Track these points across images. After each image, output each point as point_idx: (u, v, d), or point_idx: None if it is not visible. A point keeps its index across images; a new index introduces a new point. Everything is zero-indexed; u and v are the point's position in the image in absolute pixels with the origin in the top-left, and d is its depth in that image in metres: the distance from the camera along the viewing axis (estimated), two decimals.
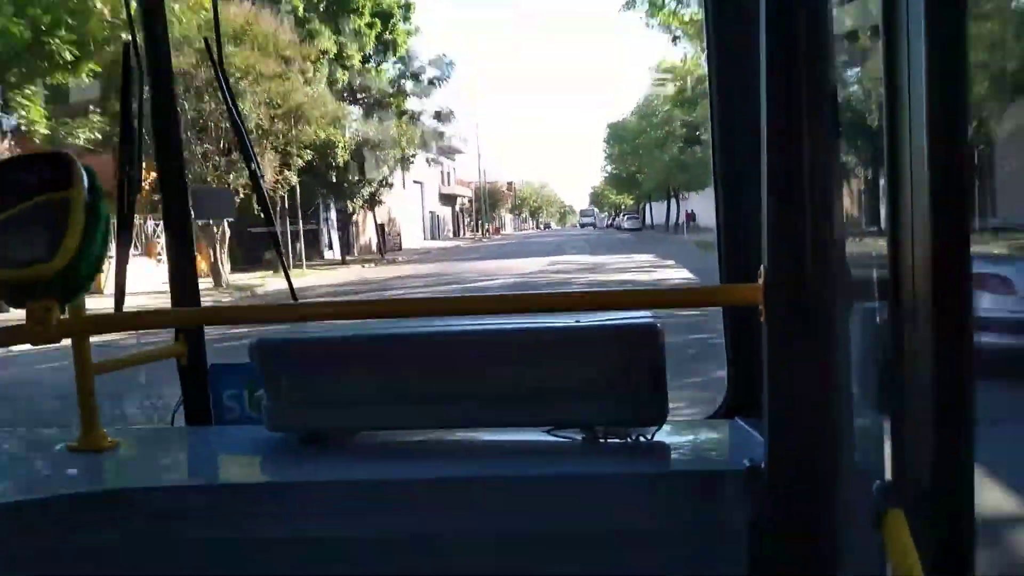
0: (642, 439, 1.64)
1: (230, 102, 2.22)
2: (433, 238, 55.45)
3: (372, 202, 31.51)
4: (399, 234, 43.71)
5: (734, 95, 1.72)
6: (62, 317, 1.49)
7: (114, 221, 1.75)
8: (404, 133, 31.49)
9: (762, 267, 1.25)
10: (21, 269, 1.45)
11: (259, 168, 2.42)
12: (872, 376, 1.22)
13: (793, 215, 1.19)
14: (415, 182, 49.46)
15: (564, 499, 1.52)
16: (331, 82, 27.45)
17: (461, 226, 69.65)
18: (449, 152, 61.82)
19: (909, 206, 0.80)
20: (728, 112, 1.74)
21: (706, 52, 1.77)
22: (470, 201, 71.72)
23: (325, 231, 33.81)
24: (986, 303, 6.30)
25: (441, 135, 46.18)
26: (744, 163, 1.69)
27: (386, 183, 31.70)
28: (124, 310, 2.03)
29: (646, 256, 27.02)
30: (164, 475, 1.85)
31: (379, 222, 35.47)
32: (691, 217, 46.32)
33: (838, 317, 1.20)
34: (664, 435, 1.65)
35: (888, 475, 0.92)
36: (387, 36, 32.48)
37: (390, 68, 34.17)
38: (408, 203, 46.65)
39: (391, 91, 33.08)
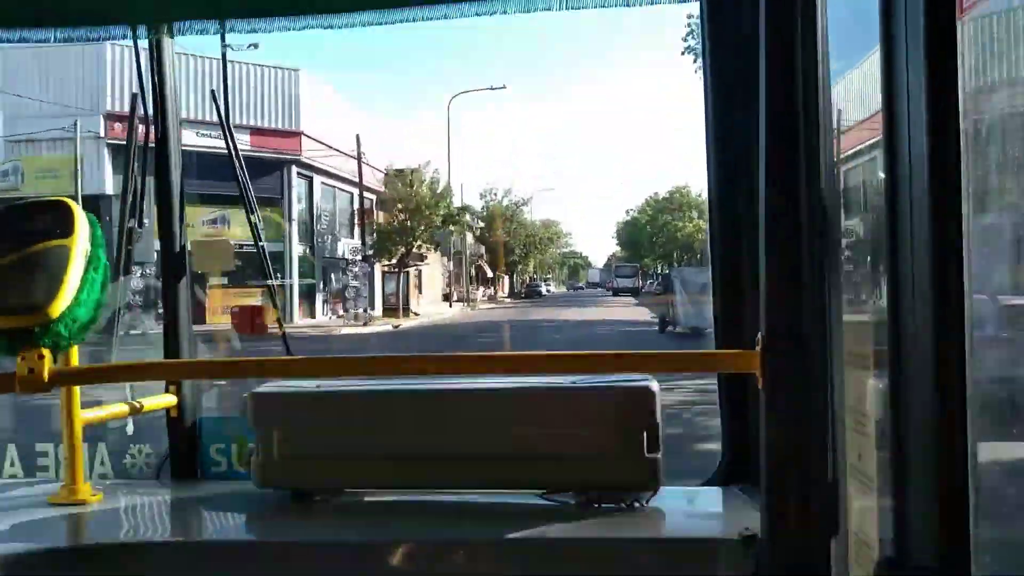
0: (637, 504, 1.61)
1: (234, 155, 2.23)
2: None
3: None
4: None
5: (732, 163, 1.74)
6: (53, 367, 1.47)
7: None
8: None
9: (759, 335, 1.24)
10: (17, 316, 1.43)
11: (259, 221, 2.43)
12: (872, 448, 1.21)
13: (791, 283, 1.19)
14: None
15: (557, 564, 1.48)
16: None
17: None
18: None
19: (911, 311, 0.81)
20: (726, 179, 1.76)
21: (704, 125, 1.79)
22: None
23: None
24: None
25: None
26: (741, 230, 1.70)
27: None
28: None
29: None
30: (147, 532, 1.80)
31: None
32: None
33: (835, 385, 1.19)
34: (659, 501, 1.62)
35: (886, 545, 0.90)
36: None
37: None
38: None
39: None
